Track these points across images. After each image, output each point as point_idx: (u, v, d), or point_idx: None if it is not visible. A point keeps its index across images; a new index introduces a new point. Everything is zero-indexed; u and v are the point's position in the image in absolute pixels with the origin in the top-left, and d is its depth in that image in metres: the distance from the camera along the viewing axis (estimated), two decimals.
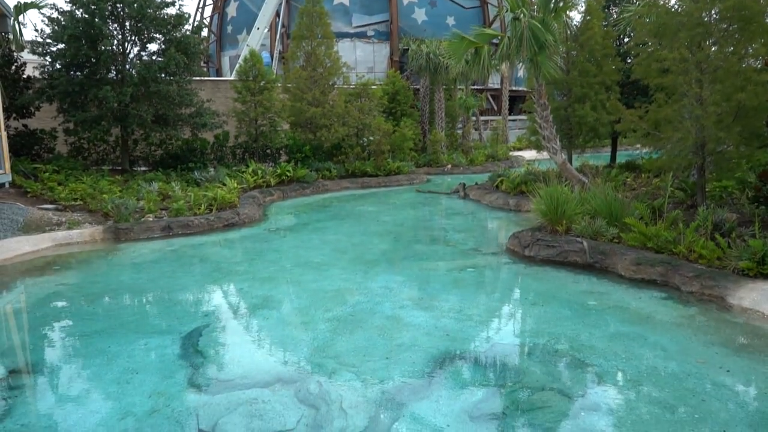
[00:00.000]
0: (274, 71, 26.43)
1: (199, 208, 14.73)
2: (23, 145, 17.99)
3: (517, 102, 41.24)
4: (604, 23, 17.95)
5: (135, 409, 5.25)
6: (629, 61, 17.65)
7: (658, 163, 12.06)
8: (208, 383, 5.82)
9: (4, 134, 13.79)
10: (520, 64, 15.92)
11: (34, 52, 17.69)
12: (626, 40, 18.95)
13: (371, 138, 24.08)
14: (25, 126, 18.42)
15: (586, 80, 16.59)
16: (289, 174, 20.52)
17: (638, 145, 13.49)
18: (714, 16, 10.56)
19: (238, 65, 23.16)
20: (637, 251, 9.65)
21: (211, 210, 14.92)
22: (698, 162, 10.97)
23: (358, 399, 5.39)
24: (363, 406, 5.27)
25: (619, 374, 5.87)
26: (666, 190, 11.42)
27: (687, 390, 5.45)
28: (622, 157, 20.26)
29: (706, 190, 11.67)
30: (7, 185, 13.89)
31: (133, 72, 17.33)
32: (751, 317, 7.32)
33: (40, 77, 17.89)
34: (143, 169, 19.80)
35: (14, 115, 17.81)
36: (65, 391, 5.74)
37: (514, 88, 40.27)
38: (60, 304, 8.68)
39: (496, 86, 39.47)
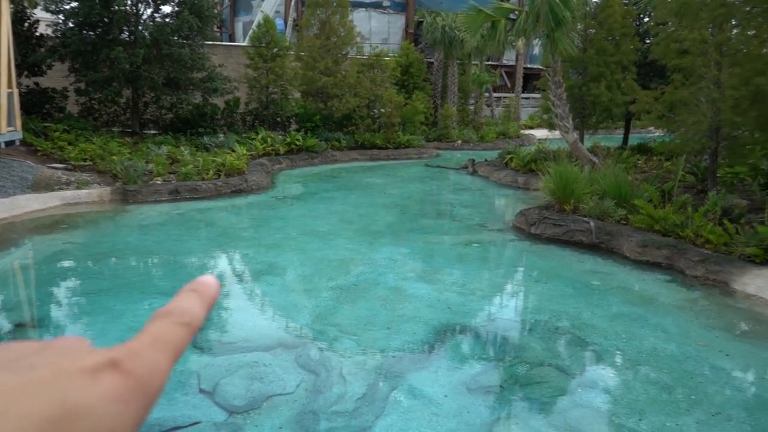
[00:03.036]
0: (288, 39, 26.13)
1: (207, 173, 14.74)
2: (34, 104, 17.97)
3: (531, 80, 40.73)
4: (624, 1, 17.59)
5: None
6: (648, 41, 17.36)
7: (671, 146, 11.94)
8: (210, 345, 5.89)
9: (16, 91, 13.77)
10: (537, 40, 15.69)
11: (47, 10, 17.58)
12: (646, 19, 18.61)
13: (382, 110, 23.89)
14: (36, 84, 18.38)
15: (602, 59, 16.34)
16: (298, 143, 20.44)
17: (652, 128, 13.35)
18: None
19: (251, 31, 22.97)
20: (644, 233, 9.61)
21: (219, 175, 14.93)
22: (712, 146, 10.84)
23: (357, 367, 5.45)
24: (362, 373, 5.32)
25: (619, 354, 5.89)
26: (677, 173, 11.32)
27: (685, 372, 5.47)
28: (634, 140, 20.04)
29: (718, 175, 11.56)
30: (17, 143, 13.92)
31: (146, 33, 17.21)
32: (755, 303, 7.30)
33: (53, 35, 17.79)
34: (153, 132, 19.77)
35: (26, 72, 17.76)
36: None
37: (528, 66, 39.73)
38: (67, 262, 8.77)
39: (511, 63, 38.97)
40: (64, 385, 0.34)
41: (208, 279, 0.46)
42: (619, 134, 21.67)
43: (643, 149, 18.01)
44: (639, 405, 4.86)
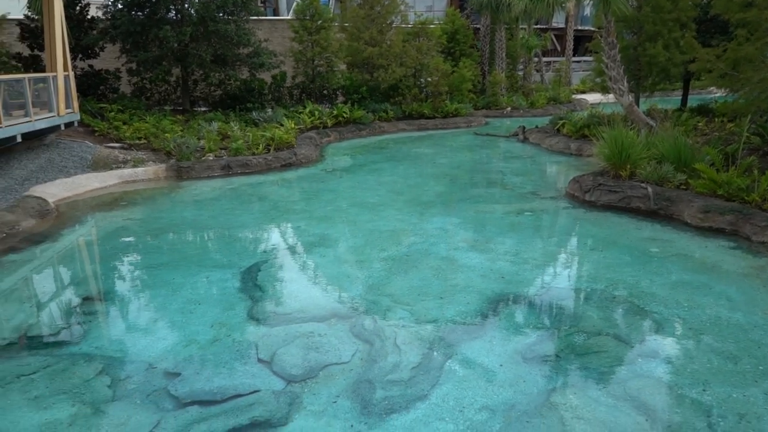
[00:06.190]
0: (332, 10, 25.96)
1: (257, 148, 14.94)
2: (89, 85, 18.52)
3: (582, 42, 39.38)
4: None
5: (198, 338, 5.49)
6: None
7: (734, 106, 11.36)
8: (267, 316, 6.02)
9: (71, 74, 14.20)
10: (588, 0, 15.08)
11: None
12: None
13: (429, 79, 23.59)
14: (90, 66, 18.91)
15: (659, 17, 15.56)
16: (345, 115, 20.46)
17: (713, 88, 12.72)
18: None
19: (295, 4, 22.90)
20: (706, 198, 9.23)
21: (269, 150, 15.11)
22: None
23: (411, 336, 5.47)
24: (416, 343, 5.34)
25: (680, 323, 5.71)
26: (741, 135, 10.77)
27: (752, 341, 5.26)
28: (693, 101, 19.17)
29: None
30: (76, 124, 14.40)
31: (192, 11, 17.40)
32: None
33: (103, 18, 18.21)
34: (203, 109, 20.12)
35: (80, 55, 18.28)
36: (134, 319, 6.05)
37: (579, 28, 38.37)
38: (127, 237, 9.07)
39: (561, 25, 37.70)
40: None
41: None
42: (677, 96, 20.76)
43: (703, 111, 17.22)
44: (702, 375, 4.72)
